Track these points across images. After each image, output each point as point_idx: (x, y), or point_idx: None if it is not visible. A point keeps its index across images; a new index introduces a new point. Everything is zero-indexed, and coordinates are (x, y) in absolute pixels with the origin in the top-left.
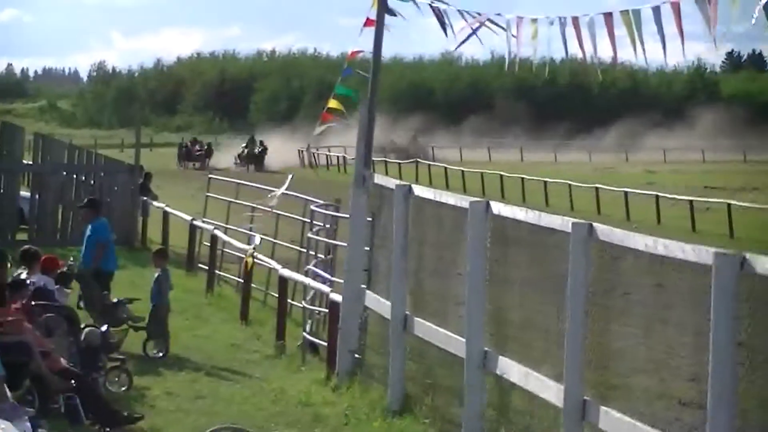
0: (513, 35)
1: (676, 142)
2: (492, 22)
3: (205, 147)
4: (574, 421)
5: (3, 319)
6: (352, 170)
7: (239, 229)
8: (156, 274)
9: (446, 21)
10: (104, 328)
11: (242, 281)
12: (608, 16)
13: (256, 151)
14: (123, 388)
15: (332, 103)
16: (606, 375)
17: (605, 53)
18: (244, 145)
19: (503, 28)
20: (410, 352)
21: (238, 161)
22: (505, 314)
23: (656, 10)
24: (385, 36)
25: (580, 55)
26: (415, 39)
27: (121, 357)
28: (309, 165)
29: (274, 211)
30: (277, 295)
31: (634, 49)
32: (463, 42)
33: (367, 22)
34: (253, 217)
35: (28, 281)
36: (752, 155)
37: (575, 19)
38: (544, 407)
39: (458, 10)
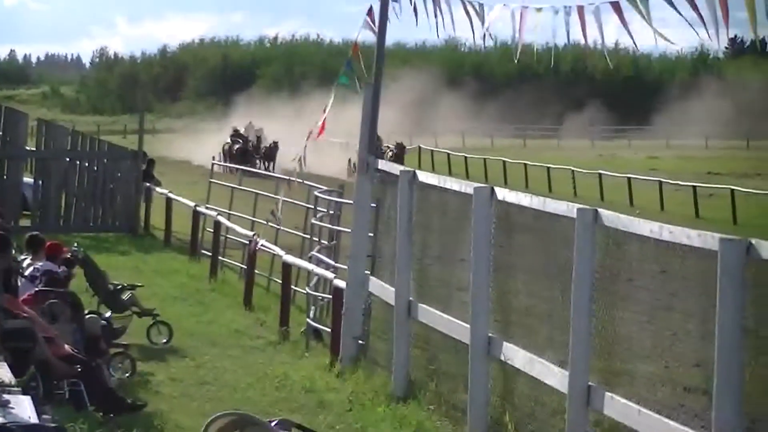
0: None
1: (678, 129)
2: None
3: (269, 144)
4: (578, 407)
5: (8, 305)
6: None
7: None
8: None
9: (441, 12)
10: (107, 314)
11: (245, 267)
12: (615, 5)
13: (390, 153)
14: (126, 375)
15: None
16: (611, 361)
17: (609, 40)
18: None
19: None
20: (414, 338)
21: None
22: (510, 300)
23: None
24: (388, 22)
25: (583, 41)
26: (418, 25)
27: (124, 343)
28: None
29: (283, 198)
30: (280, 282)
31: (630, 35)
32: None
33: (371, 11)
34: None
35: (32, 267)
36: (755, 141)
37: (580, 9)
38: (548, 393)
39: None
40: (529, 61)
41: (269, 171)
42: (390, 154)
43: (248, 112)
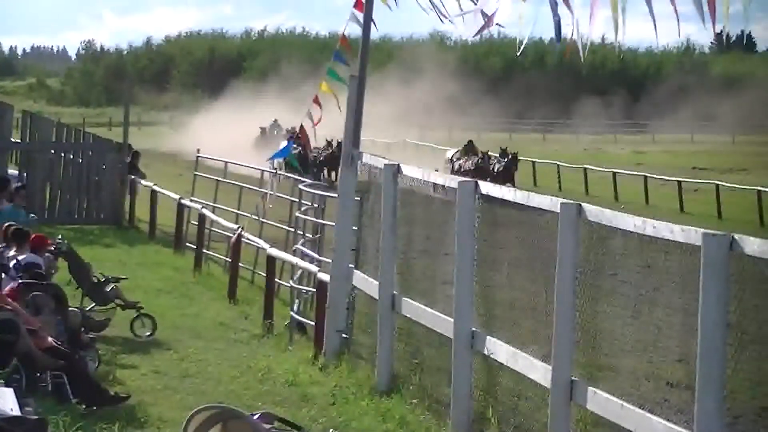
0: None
1: (666, 123)
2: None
3: (332, 150)
4: (561, 402)
5: None
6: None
7: (252, 217)
8: None
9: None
10: (90, 306)
11: (230, 260)
12: None
13: (498, 165)
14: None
15: (324, 87)
16: (594, 356)
17: (595, 34)
18: (454, 153)
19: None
20: (398, 332)
21: None
22: (494, 294)
23: None
24: (374, 15)
25: (569, 35)
26: (404, 19)
27: (90, 336)
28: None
29: (269, 192)
30: (264, 275)
31: (615, 31)
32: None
33: (358, 3)
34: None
35: (16, 260)
36: (741, 136)
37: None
38: (532, 387)
39: None
40: (512, 54)
41: (331, 181)
42: (498, 166)
43: (237, 105)
